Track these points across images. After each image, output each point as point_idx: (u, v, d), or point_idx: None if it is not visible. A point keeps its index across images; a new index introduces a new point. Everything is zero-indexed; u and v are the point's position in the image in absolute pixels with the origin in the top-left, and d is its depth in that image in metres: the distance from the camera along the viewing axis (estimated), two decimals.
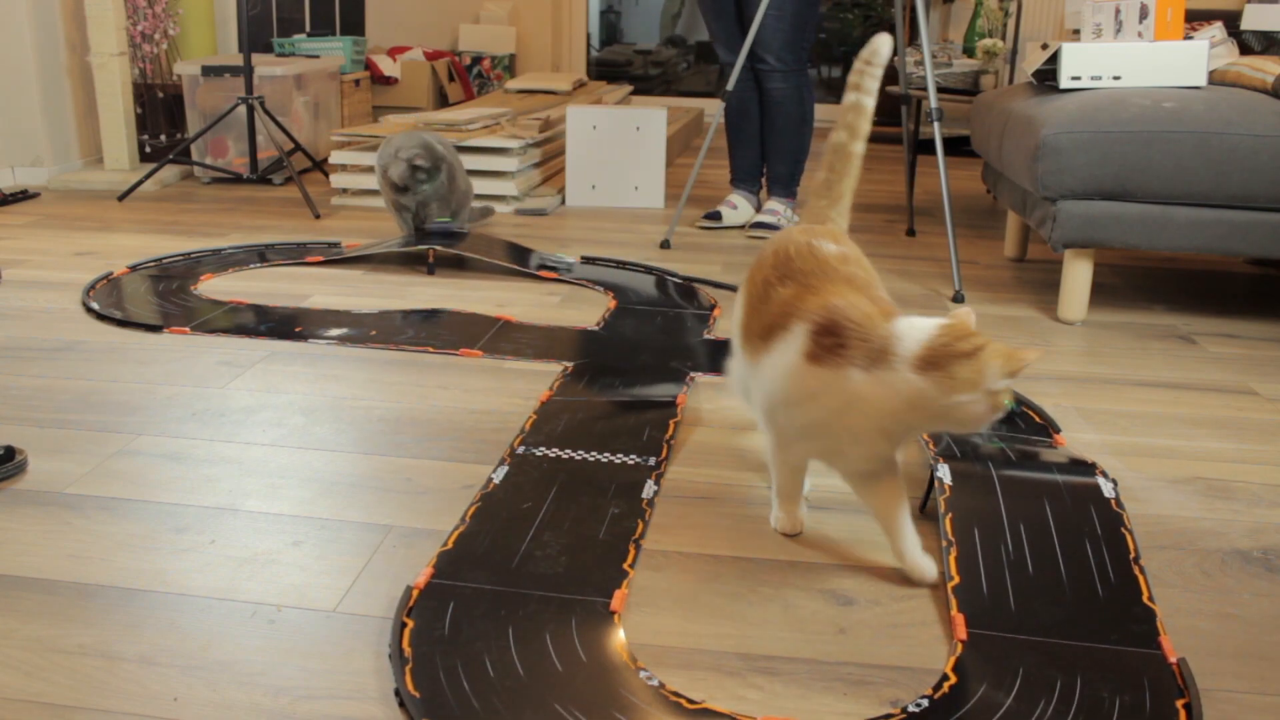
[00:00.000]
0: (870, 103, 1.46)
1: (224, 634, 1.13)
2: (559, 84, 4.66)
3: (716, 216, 3.18)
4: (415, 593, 1.19)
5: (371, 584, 1.23)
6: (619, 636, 1.13)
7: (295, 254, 2.70)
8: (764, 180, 3.25)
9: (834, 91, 6.23)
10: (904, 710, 1.03)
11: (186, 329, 2.09)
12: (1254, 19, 2.83)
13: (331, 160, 3.45)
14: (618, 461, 1.54)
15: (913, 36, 5.18)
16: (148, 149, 3.89)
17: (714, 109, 5.83)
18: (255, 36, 4.36)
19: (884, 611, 1.21)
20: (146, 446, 1.58)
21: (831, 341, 1.17)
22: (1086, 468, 1.52)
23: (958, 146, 4.53)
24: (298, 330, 2.09)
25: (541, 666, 1.07)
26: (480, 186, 3.25)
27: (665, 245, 2.92)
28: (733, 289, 2.49)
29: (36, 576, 1.23)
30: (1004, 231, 3.20)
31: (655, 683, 1.06)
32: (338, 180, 3.44)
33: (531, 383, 1.87)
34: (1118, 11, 2.43)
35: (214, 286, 2.41)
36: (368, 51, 5.06)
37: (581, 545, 1.31)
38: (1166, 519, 1.45)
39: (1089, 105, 2.24)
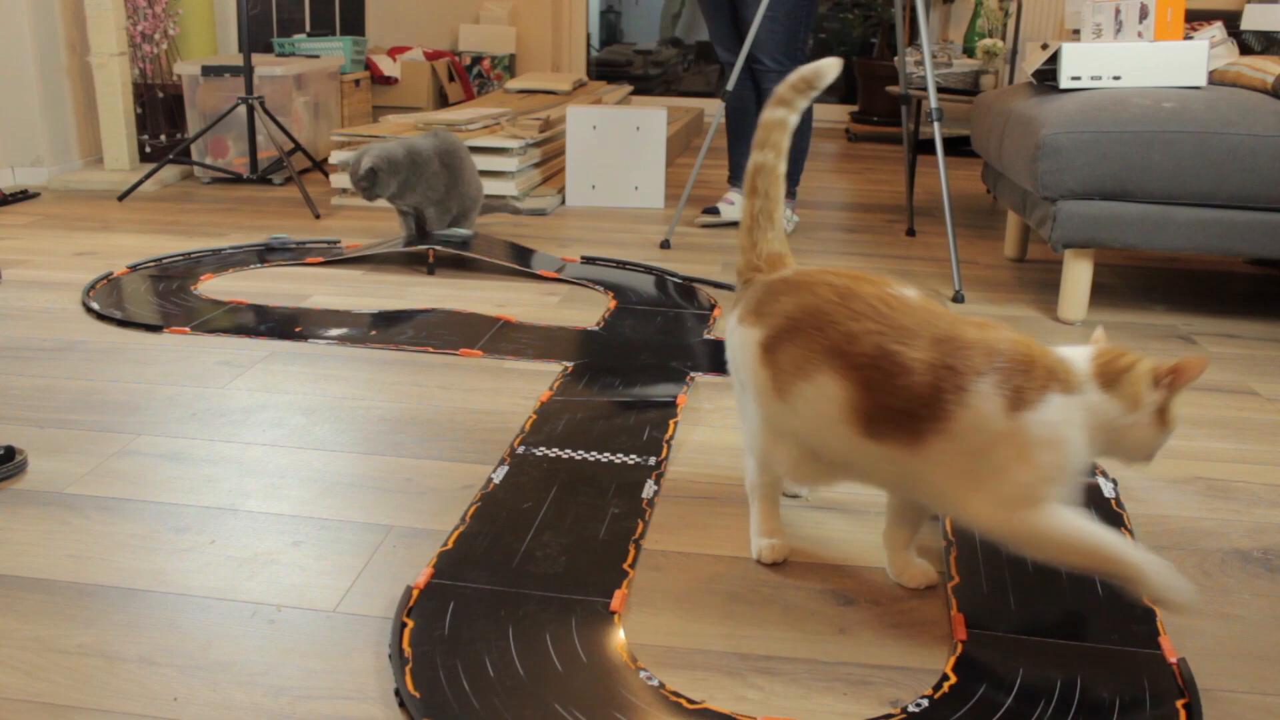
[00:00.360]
0: (795, 121, 1.29)
1: (224, 634, 1.13)
2: (559, 84, 4.66)
3: (715, 212, 3.19)
4: (415, 593, 1.19)
5: (371, 584, 1.23)
6: (619, 636, 1.13)
7: (295, 254, 2.70)
8: None
9: (834, 91, 6.23)
10: (904, 710, 1.03)
11: (186, 329, 2.09)
12: (1254, 19, 2.83)
13: (331, 160, 3.45)
14: (618, 461, 1.54)
15: (913, 36, 5.18)
16: (148, 149, 3.89)
17: (714, 109, 5.83)
18: (255, 36, 4.36)
19: (884, 611, 1.21)
20: (146, 446, 1.58)
21: (1026, 382, 1.06)
22: None
23: (958, 146, 4.53)
24: (298, 330, 2.10)
25: (541, 666, 1.07)
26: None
27: (665, 245, 2.92)
28: (732, 289, 2.49)
29: (36, 576, 1.23)
30: (1004, 231, 3.20)
31: (655, 683, 1.06)
32: (338, 180, 3.44)
33: (531, 383, 1.87)
34: (1118, 11, 2.43)
35: (214, 286, 2.41)
36: (368, 51, 5.05)
37: (581, 545, 1.31)
38: (1166, 519, 1.45)
39: (1089, 105, 2.24)
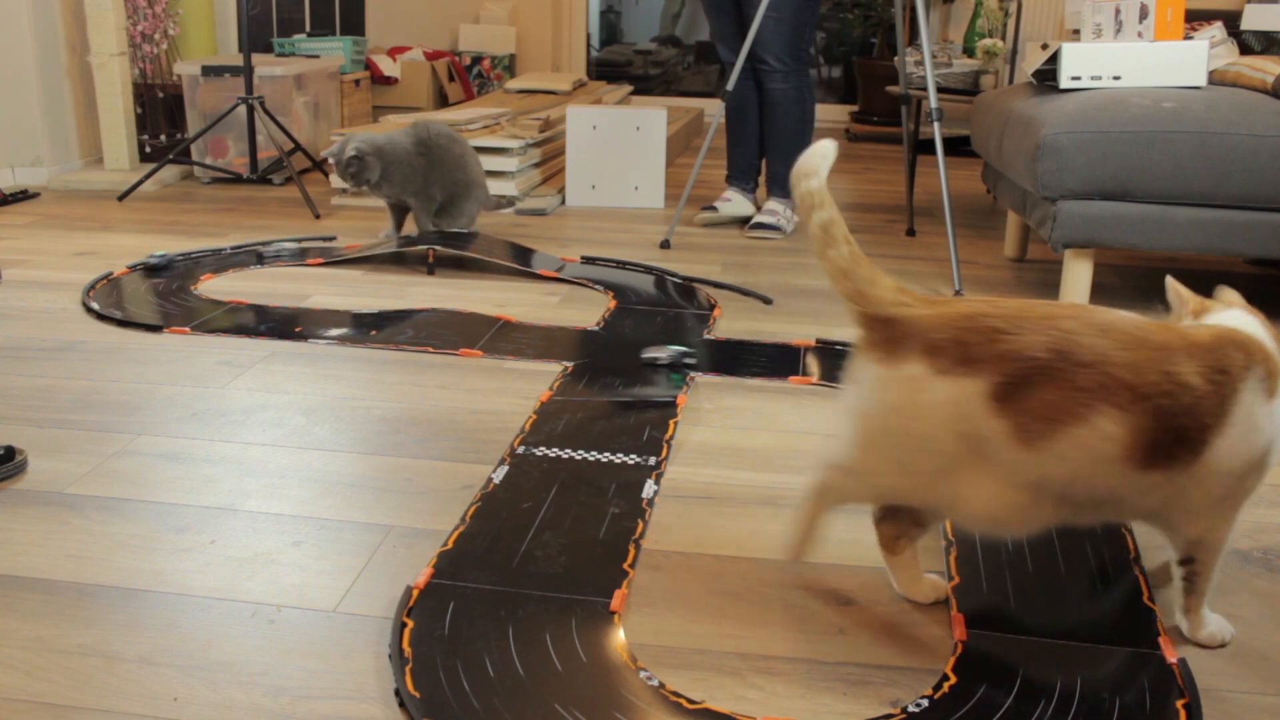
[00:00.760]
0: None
1: (224, 634, 1.13)
2: (559, 84, 4.66)
3: (713, 209, 3.20)
4: (415, 593, 1.19)
5: (371, 584, 1.23)
6: (619, 636, 1.13)
7: (295, 255, 2.70)
8: (763, 180, 3.25)
9: (834, 91, 6.23)
10: (904, 710, 1.03)
11: (186, 329, 2.09)
12: (1254, 19, 2.83)
13: (323, 154, 3.45)
14: (618, 461, 1.54)
15: (913, 36, 5.18)
16: (148, 149, 3.89)
17: (714, 109, 5.83)
18: (255, 36, 4.36)
19: (884, 611, 1.21)
20: (146, 446, 1.58)
21: (1268, 369, 1.07)
22: None
23: (958, 146, 4.53)
24: (298, 330, 2.10)
25: (541, 666, 1.07)
26: None
27: (665, 245, 2.92)
28: (733, 289, 2.49)
29: (36, 576, 1.23)
30: (1004, 231, 3.20)
31: (655, 683, 1.06)
32: (338, 180, 3.43)
33: (531, 383, 1.87)
34: (1118, 11, 2.43)
35: (214, 286, 2.41)
36: (368, 51, 5.05)
37: (581, 545, 1.31)
38: None
39: (1089, 105, 2.24)
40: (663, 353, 1.93)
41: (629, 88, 5.46)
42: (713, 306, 2.34)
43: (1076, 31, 2.65)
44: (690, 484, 1.51)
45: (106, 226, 3.01)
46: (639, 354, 1.97)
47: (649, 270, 2.64)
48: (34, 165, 3.58)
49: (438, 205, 2.75)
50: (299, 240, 2.85)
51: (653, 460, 1.55)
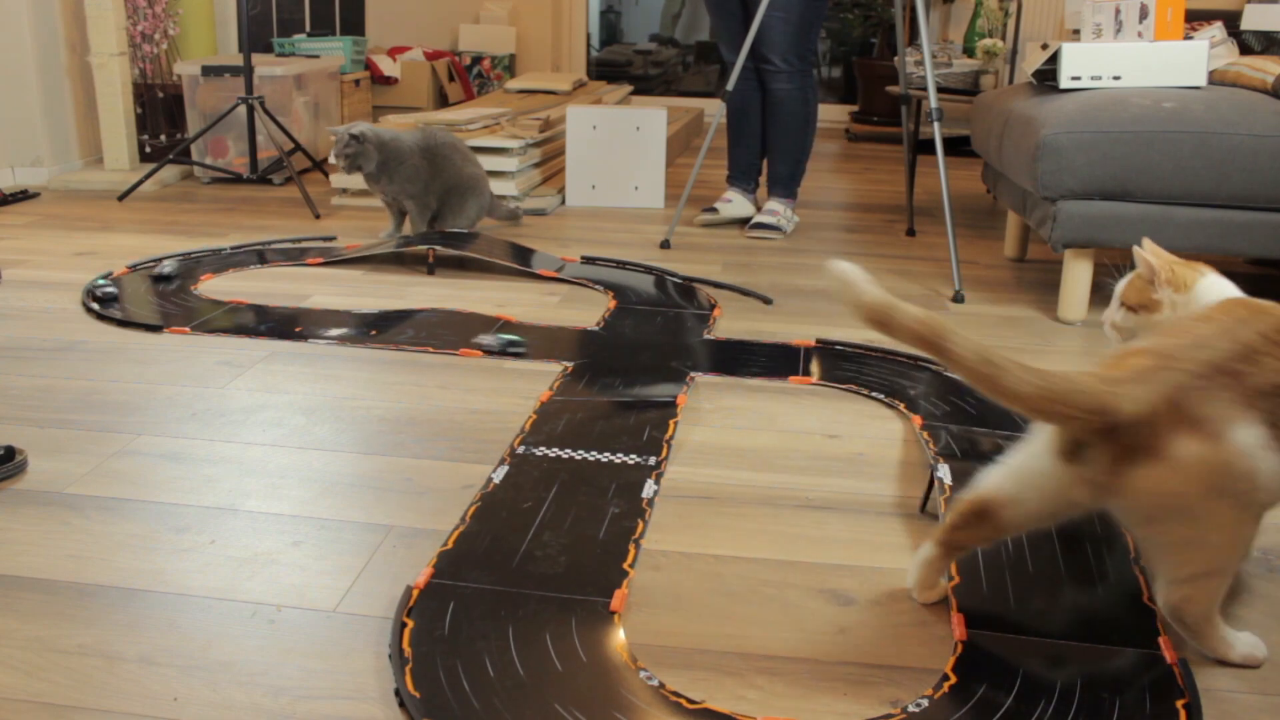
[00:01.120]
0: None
1: (224, 634, 1.13)
2: (559, 84, 4.66)
3: (713, 211, 3.19)
4: (415, 593, 1.19)
5: (371, 584, 1.23)
6: (619, 636, 1.13)
7: (294, 254, 2.70)
8: (763, 180, 3.25)
9: (834, 91, 6.23)
10: (904, 710, 1.03)
11: (186, 329, 2.09)
12: (1254, 19, 2.83)
13: (331, 160, 3.45)
14: (618, 461, 1.54)
15: (913, 36, 5.18)
16: (148, 149, 3.89)
17: (714, 109, 5.83)
18: (255, 36, 4.36)
19: (884, 611, 1.21)
20: (146, 446, 1.58)
21: None
22: None
23: (958, 146, 4.53)
24: (298, 330, 2.10)
25: (541, 666, 1.07)
26: None
27: (665, 245, 2.92)
28: (733, 289, 2.49)
29: (36, 576, 1.23)
30: (1004, 231, 3.20)
31: (655, 683, 1.06)
32: (337, 180, 3.44)
33: (531, 383, 1.87)
34: (1118, 11, 2.43)
35: (214, 286, 2.41)
36: (368, 51, 5.05)
37: (581, 545, 1.31)
38: None
39: (1089, 105, 2.24)
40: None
41: (629, 88, 5.46)
42: (713, 306, 2.34)
43: (1076, 31, 2.65)
44: (690, 484, 1.51)
45: (106, 226, 3.01)
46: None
47: (649, 270, 2.64)
48: (34, 165, 3.58)
49: (433, 213, 2.76)
50: (298, 240, 2.85)
51: (653, 460, 1.55)
